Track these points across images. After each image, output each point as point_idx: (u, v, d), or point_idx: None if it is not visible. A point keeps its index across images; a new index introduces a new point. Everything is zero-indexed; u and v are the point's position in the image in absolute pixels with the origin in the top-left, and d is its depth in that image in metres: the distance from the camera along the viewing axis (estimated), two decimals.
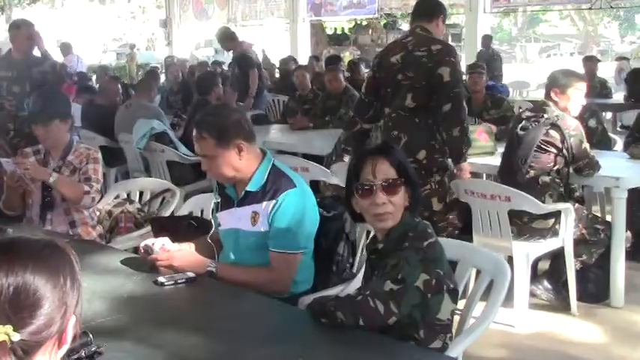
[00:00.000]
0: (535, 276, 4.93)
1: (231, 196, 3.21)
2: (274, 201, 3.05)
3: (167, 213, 4.36)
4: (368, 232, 3.39)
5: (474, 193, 4.69)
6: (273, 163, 3.17)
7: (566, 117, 4.77)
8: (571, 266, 4.70)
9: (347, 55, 20.73)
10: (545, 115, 4.75)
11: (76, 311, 1.47)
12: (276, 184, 3.08)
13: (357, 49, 24.90)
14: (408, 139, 4.70)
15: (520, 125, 4.84)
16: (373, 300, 2.40)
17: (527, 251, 4.59)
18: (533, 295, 4.80)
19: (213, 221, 3.39)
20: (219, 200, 3.32)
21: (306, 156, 6.43)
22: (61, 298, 1.41)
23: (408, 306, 2.42)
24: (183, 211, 4.09)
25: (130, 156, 7.20)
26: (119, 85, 8.03)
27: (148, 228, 3.98)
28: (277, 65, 13.89)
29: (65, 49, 14.98)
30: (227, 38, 9.62)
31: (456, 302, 2.58)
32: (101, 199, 4.33)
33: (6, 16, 27.05)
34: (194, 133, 3.10)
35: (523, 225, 4.73)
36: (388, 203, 2.57)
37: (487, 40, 14.52)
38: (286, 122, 8.17)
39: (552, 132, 4.71)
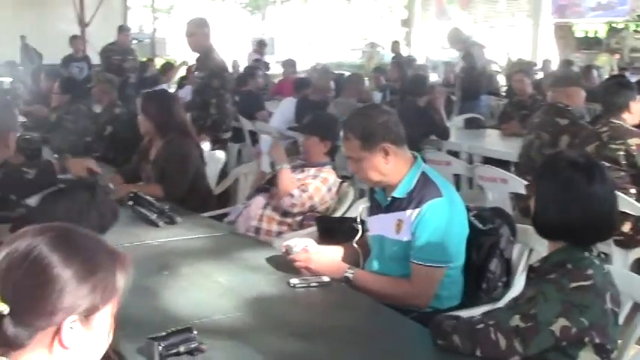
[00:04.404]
0: None
1: (380, 200, 3.08)
2: (418, 209, 2.88)
3: (342, 210, 4.28)
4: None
5: None
6: (423, 170, 2.99)
7: None
8: None
9: (603, 60, 19.57)
10: None
11: (85, 315, 1.39)
12: (422, 191, 2.91)
13: (610, 54, 23.48)
14: None
15: None
16: (495, 332, 2.18)
17: None
18: None
19: (361, 226, 3.28)
20: (369, 204, 3.21)
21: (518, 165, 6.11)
22: (63, 291, 1.36)
23: (537, 348, 2.16)
24: (354, 213, 4.00)
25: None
26: (331, 82, 8.08)
27: (314, 227, 3.93)
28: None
29: None
30: (456, 39, 9.53)
31: (603, 358, 2.22)
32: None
33: (262, 14, 28.53)
34: (341, 133, 3.01)
35: None
36: None
37: None
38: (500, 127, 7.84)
39: None
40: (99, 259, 1.43)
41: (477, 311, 2.61)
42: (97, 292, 1.40)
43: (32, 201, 3.02)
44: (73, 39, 12.61)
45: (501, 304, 2.82)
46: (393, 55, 17.55)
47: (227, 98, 6.37)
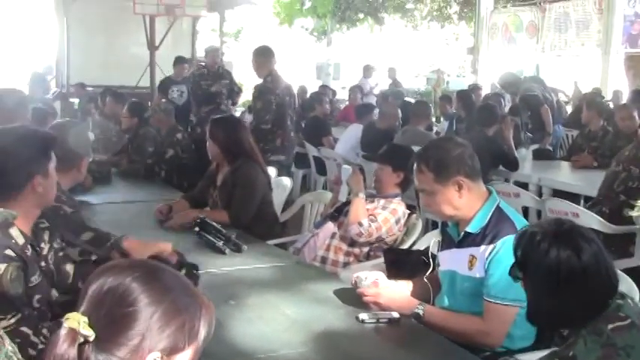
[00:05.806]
0: None
1: (452, 235, 3.01)
2: (492, 246, 2.80)
3: (409, 242, 4.20)
4: None
5: None
6: (497, 205, 2.91)
7: None
8: None
9: None
10: None
11: (167, 354, 1.39)
12: (497, 227, 2.83)
13: None
14: None
15: None
16: None
17: None
18: None
19: (432, 260, 3.20)
20: (440, 238, 3.13)
21: (587, 199, 5.96)
22: (149, 326, 1.37)
23: None
24: (421, 245, 3.93)
25: None
26: (398, 110, 8.04)
27: (381, 259, 3.87)
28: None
29: None
30: (508, 83, 9.55)
31: None
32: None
33: (328, 40, 28.57)
34: (414, 165, 2.95)
35: None
36: None
37: None
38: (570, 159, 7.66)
39: None
40: (186, 300, 1.44)
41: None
42: (182, 332, 1.40)
43: None
44: (177, 62, 10.96)
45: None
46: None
47: (265, 121, 6.71)
